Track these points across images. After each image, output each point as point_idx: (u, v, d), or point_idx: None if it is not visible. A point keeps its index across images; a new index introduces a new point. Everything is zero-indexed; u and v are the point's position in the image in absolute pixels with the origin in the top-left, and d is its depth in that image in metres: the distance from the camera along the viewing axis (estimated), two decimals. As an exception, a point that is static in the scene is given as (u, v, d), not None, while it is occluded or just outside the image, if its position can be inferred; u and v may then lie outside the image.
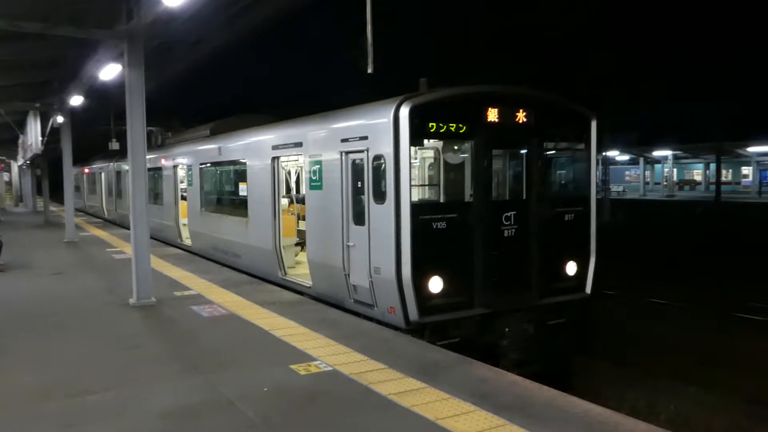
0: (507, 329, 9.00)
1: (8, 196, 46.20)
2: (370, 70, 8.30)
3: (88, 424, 5.46)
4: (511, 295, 9.16)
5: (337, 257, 9.84)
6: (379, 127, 8.78)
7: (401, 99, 8.52)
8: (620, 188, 65.81)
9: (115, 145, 27.69)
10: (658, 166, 68.15)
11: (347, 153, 9.61)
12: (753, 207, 42.37)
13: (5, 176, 45.75)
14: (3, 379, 6.77)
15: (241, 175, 13.88)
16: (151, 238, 11.21)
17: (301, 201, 11.17)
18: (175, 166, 18.68)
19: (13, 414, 5.76)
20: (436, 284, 8.51)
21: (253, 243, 13.23)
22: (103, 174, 30.92)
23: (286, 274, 11.97)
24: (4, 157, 41.92)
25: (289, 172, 15.82)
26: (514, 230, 9.13)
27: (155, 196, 20.21)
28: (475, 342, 8.63)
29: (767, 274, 18.52)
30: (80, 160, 34.40)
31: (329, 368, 6.83)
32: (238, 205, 14.12)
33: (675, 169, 65.32)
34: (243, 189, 13.79)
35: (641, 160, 64.32)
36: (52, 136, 23.26)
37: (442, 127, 8.64)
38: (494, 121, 8.97)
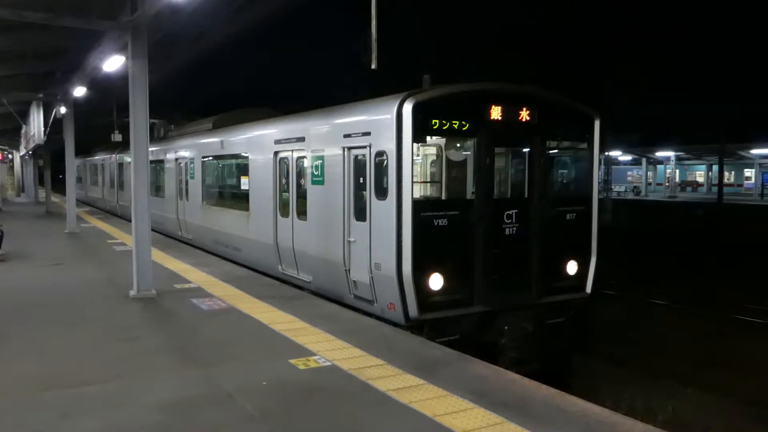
0: (506, 327, 9.00)
1: (10, 185, 46.23)
2: (374, 66, 8.28)
3: (86, 415, 5.46)
4: (511, 293, 9.16)
5: (337, 252, 9.85)
6: (381, 124, 8.77)
7: (404, 95, 8.51)
8: (622, 188, 65.69)
9: (117, 137, 27.67)
10: (660, 167, 68.09)
11: (349, 148, 9.60)
12: (755, 209, 42.32)
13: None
14: (2, 368, 6.77)
15: (243, 169, 13.89)
16: (152, 230, 11.20)
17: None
18: (177, 159, 18.69)
19: (12, 403, 5.76)
20: (436, 281, 8.51)
21: (253, 237, 13.24)
22: (105, 165, 30.95)
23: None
24: (6, 147, 41.94)
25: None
26: (515, 228, 9.13)
27: (157, 188, 20.22)
28: (475, 339, 8.64)
29: (765, 277, 18.54)
30: (83, 151, 34.43)
31: (328, 363, 6.84)
32: (240, 199, 14.13)
33: (677, 171, 65.23)
34: (245, 183, 13.80)
35: (644, 160, 64.26)
36: (54, 127, 23.29)
37: (445, 125, 8.63)
38: (497, 119, 8.96)
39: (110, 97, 21.32)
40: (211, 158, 16.33)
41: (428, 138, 9.22)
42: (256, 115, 15.43)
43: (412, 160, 8.43)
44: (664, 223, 35.62)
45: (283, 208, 11.95)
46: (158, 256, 13.74)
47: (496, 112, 8.94)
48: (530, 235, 9.29)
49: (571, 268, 9.84)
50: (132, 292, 10.31)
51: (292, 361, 6.91)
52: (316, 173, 10.62)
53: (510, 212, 9.10)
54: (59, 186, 38.48)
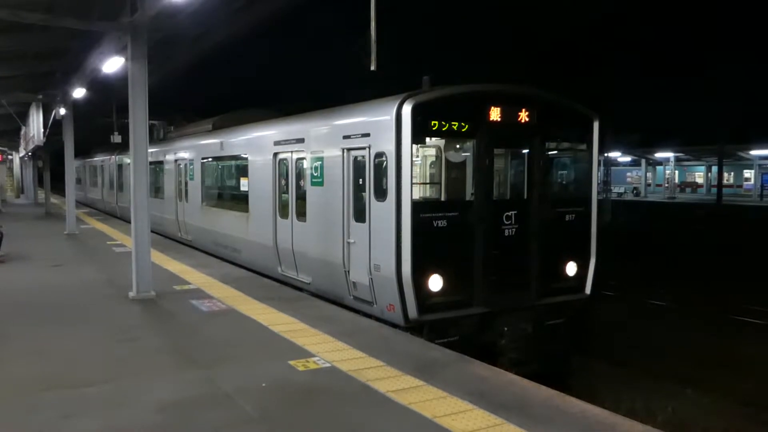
0: (506, 328, 9.00)
1: (9, 187, 46.20)
2: (373, 67, 8.29)
3: (86, 416, 5.47)
4: (511, 294, 9.16)
5: (337, 254, 9.85)
6: (381, 125, 8.78)
7: (404, 97, 8.52)
8: (621, 189, 65.62)
9: (117, 138, 27.65)
10: (659, 168, 68.10)
11: (349, 150, 9.61)
12: (754, 210, 42.35)
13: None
14: (2, 368, 6.78)
15: (243, 171, 13.89)
16: (151, 231, 11.19)
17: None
18: (176, 160, 18.69)
19: (12, 404, 5.77)
20: (435, 282, 8.52)
21: (253, 238, 13.24)
22: (104, 166, 30.96)
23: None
24: (6, 149, 41.91)
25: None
26: (514, 230, 9.14)
27: (156, 189, 20.22)
28: (474, 341, 8.64)
29: (766, 278, 18.56)
30: (82, 152, 34.41)
31: (327, 364, 6.84)
32: (239, 200, 14.13)
33: (676, 172, 65.24)
34: (244, 184, 13.80)
35: (643, 161, 64.27)
36: (54, 128, 23.28)
37: (444, 126, 8.64)
38: (496, 120, 8.96)
39: (110, 98, 21.31)
40: (210, 159, 16.33)
41: (427, 139, 9.22)
42: (256, 116, 15.42)
43: (412, 161, 8.44)
44: (663, 224, 35.63)
45: (283, 210, 11.95)
46: (158, 257, 13.75)
47: (495, 114, 8.94)
48: (530, 236, 9.30)
49: (571, 269, 9.85)
50: (131, 294, 10.31)
51: (292, 362, 6.91)
52: (315, 174, 10.62)
53: (509, 213, 9.11)
54: (59, 187, 38.50)
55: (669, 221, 37.32)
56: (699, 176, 69.48)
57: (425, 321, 8.49)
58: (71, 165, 20.92)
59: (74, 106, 19.92)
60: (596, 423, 5.36)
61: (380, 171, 8.80)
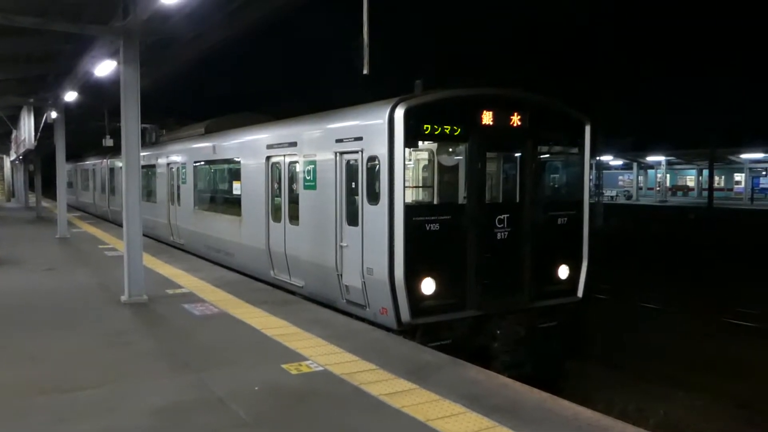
0: (498, 332, 9.03)
1: (0, 191, 45.93)
2: (366, 71, 8.30)
3: (80, 420, 5.45)
4: (503, 297, 9.19)
5: (330, 257, 9.85)
6: (374, 128, 8.80)
7: (396, 100, 8.55)
8: (613, 193, 65.87)
9: (108, 142, 27.54)
10: (651, 172, 68.45)
11: (342, 153, 9.62)
12: (744, 214, 42.61)
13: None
14: (-7, 374, 6.75)
15: (235, 174, 13.88)
16: (144, 235, 11.16)
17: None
18: (169, 164, 18.66)
19: (5, 408, 5.74)
20: (428, 286, 8.53)
21: (245, 242, 13.22)
22: (96, 170, 30.86)
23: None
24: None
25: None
26: (507, 233, 9.17)
27: (148, 193, 20.16)
28: (467, 344, 8.65)
29: (757, 280, 18.68)
30: (74, 156, 34.27)
31: (320, 368, 6.84)
32: (232, 204, 14.12)
33: (668, 175, 65.61)
34: (237, 188, 13.79)
35: (635, 165, 64.58)
36: (45, 132, 23.17)
37: (437, 129, 8.67)
38: (489, 124, 9.00)
39: (102, 101, 21.23)
40: (203, 163, 16.31)
41: (420, 143, 9.24)
42: (249, 120, 15.43)
43: (404, 164, 8.46)
44: (655, 228, 35.78)
45: (275, 213, 11.94)
46: (150, 261, 13.69)
47: (487, 117, 8.98)
48: (522, 239, 9.33)
49: (563, 272, 9.88)
50: (123, 298, 10.26)
51: (285, 365, 6.90)
52: (308, 178, 10.63)
53: (502, 217, 9.14)
54: (50, 191, 38.35)
55: (660, 224, 37.48)
56: (690, 180, 69.91)
57: (418, 324, 8.50)
58: (63, 168, 20.84)
59: (66, 110, 19.84)
60: (589, 426, 5.37)
61: (373, 174, 8.82)
